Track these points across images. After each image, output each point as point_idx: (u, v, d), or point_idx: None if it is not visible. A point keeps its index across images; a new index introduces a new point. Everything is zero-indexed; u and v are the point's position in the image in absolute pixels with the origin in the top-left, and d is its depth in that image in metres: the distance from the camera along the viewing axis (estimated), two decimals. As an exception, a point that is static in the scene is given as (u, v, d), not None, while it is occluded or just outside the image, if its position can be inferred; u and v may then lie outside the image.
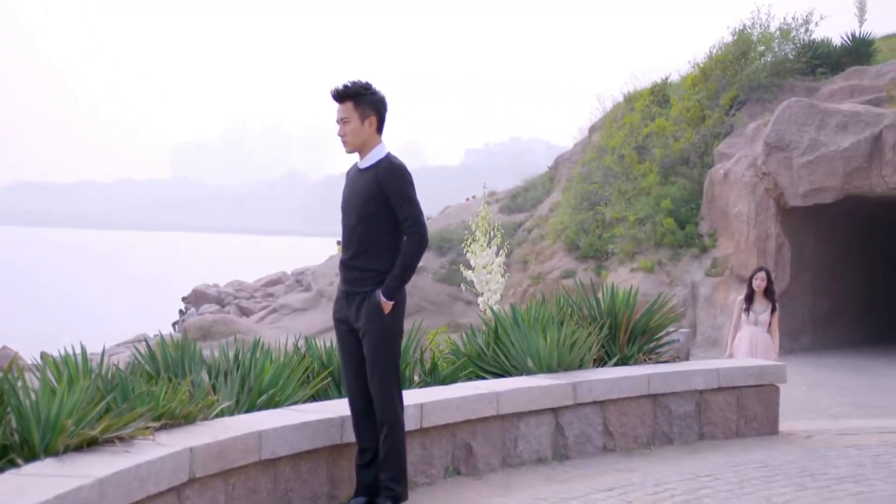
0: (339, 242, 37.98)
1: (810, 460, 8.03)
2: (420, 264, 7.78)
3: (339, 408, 6.65)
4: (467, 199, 42.15)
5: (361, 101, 6.22)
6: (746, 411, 9.04)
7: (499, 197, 38.70)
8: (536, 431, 7.78)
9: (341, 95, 6.23)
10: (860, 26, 27.93)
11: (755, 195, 23.32)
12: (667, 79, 31.35)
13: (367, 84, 6.27)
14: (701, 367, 8.97)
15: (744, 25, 28.49)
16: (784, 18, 28.37)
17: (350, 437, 6.46)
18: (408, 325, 6.76)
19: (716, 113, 27.07)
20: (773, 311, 12.49)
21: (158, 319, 47.21)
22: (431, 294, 33.79)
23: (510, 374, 8.49)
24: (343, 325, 6.35)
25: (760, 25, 28.26)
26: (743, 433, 9.00)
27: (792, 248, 23.47)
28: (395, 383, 6.22)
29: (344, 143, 6.29)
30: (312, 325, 36.66)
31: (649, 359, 9.17)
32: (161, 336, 7.47)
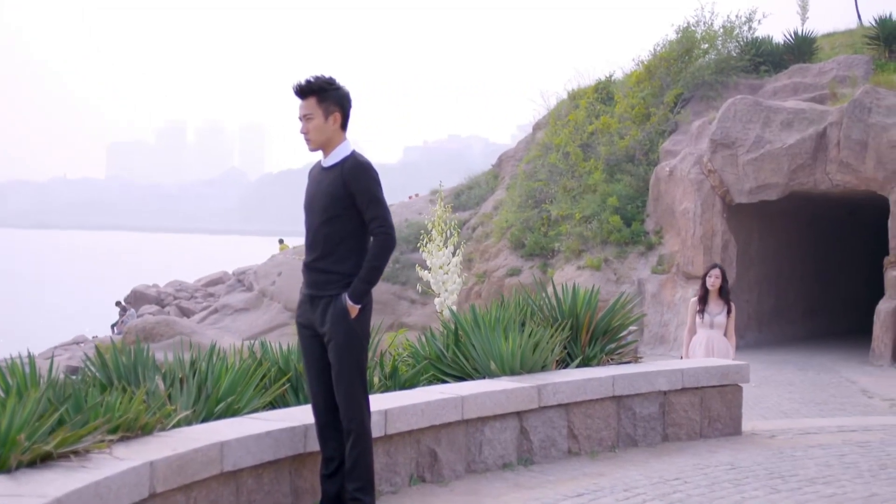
0: (280, 241, 37.49)
1: (778, 461, 7.92)
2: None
3: (302, 415, 6.41)
4: (410, 197, 41.92)
5: (325, 97, 5.97)
6: (710, 412, 8.92)
7: (443, 195, 38.47)
8: (501, 436, 7.59)
9: (304, 91, 5.97)
10: (802, 24, 28.15)
11: (701, 192, 23.35)
12: (611, 76, 31.38)
13: (330, 79, 6.02)
14: (664, 367, 8.83)
15: (688, 23, 28.60)
16: (727, 16, 28.53)
17: (313, 445, 6.22)
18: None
19: (660, 110, 27.12)
20: (728, 312, 11.71)
21: (97, 321, 46.48)
22: (375, 293, 33.34)
23: (471, 377, 8.28)
24: (307, 329, 6.10)
25: (704, 23, 28.38)
26: (706, 434, 8.88)
27: (738, 245, 23.56)
28: (362, 390, 5.99)
29: (307, 140, 6.03)
30: (255, 326, 36.26)
31: (611, 360, 9.02)
32: (112, 342, 7.15)
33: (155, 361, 7.00)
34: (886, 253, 21.77)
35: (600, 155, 27.45)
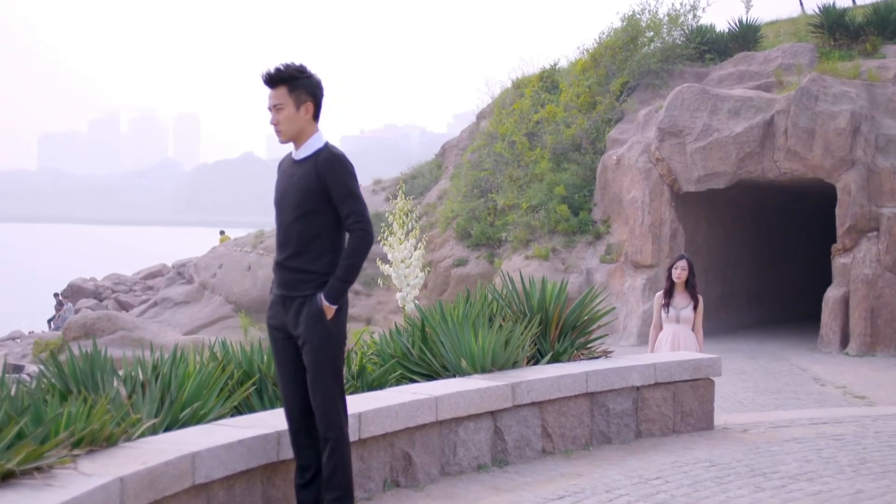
0: (221, 232, 36.77)
1: (756, 457, 7.75)
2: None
3: (273, 421, 6.09)
4: (352, 188, 41.35)
5: (296, 86, 5.63)
6: (683, 407, 8.73)
7: (385, 185, 38.18)
8: (475, 437, 7.32)
9: (274, 80, 5.64)
10: (746, 12, 28.20)
11: (649, 181, 23.26)
12: (555, 64, 31.21)
13: (301, 67, 5.69)
14: (637, 362, 8.61)
15: (633, 11, 28.49)
16: (672, 4, 28.57)
17: (286, 453, 5.91)
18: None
19: (606, 99, 27.00)
20: (695, 305, 11.05)
21: (32, 316, 45.50)
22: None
23: (439, 375, 8.02)
24: (279, 332, 5.77)
25: (649, 11, 28.30)
26: (679, 429, 8.69)
27: (685, 233, 23.52)
28: (340, 394, 5.68)
29: (277, 132, 5.69)
30: (196, 319, 35.70)
31: (582, 355, 8.80)
32: (69, 347, 6.77)
33: (113, 365, 6.64)
34: (831, 240, 21.87)
35: (546, 144, 27.27)
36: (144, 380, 6.41)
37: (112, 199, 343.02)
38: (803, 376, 17.97)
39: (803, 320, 25.77)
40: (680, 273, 11.07)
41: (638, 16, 28.27)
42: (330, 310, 5.57)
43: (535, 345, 8.61)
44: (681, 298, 11.12)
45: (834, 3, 26.06)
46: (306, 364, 5.64)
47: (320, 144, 5.70)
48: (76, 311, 37.55)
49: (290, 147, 5.82)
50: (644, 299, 22.88)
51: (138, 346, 25.04)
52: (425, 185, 35.13)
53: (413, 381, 7.94)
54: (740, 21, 27.65)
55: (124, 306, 41.67)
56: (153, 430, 5.80)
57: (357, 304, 32.83)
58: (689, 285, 11.12)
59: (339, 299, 5.59)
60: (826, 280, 22.09)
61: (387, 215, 10.73)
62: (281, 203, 5.75)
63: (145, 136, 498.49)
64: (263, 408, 7.05)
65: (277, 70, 5.65)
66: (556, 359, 8.59)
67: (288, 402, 5.79)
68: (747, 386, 16.62)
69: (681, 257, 11.38)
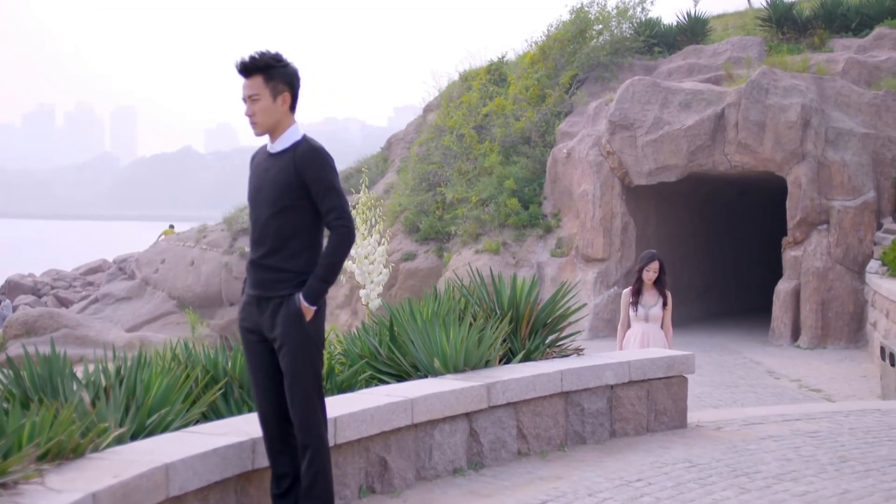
0: (171, 226, 35.97)
1: (735, 456, 7.58)
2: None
3: (247, 427, 5.79)
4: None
5: (273, 75, 5.34)
6: (656, 405, 8.55)
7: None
8: (451, 440, 7.08)
9: (248, 68, 5.33)
10: (695, 5, 28.28)
11: (600, 174, 23.15)
12: (503, 57, 31.01)
13: (277, 55, 5.39)
14: (610, 360, 8.41)
15: (581, 3, 28.36)
16: (621, -3, 28.41)
17: (261, 461, 5.63)
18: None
19: (556, 92, 26.85)
20: (665, 304, 10.93)
21: (-32, 313, 44.39)
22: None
23: (410, 376, 7.76)
24: (252, 334, 5.47)
25: (598, 4, 28.19)
26: (653, 428, 8.52)
27: (636, 226, 23.45)
28: (319, 400, 5.40)
29: (253, 124, 5.39)
30: (138, 315, 35.11)
31: (553, 353, 8.59)
32: (25, 350, 6.40)
33: (73, 370, 6.29)
34: (782, 233, 21.91)
35: (495, 137, 27.08)
36: (107, 385, 6.09)
37: (48, 193, 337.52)
38: (757, 370, 17.97)
39: (754, 313, 25.84)
40: (652, 275, 10.90)
41: (587, 8, 28.16)
42: (309, 311, 5.29)
43: (506, 343, 8.39)
44: (650, 296, 10.96)
45: (781, -3, 26.19)
46: (283, 368, 5.36)
47: (298, 137, 5.41)
48: (14, 309, 36.72)
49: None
50: (595, 293, 22.77)
51: (82, 344, 24.52)
52: (371, 179, 34.76)
53: (383, 381, 7.68)
54: (688, 14, 27.68)
55: (64, 302, 40.87)
56: (120, 440, 5.49)
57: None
58: (659, 282, 10.95)
59: (319, 300, 5.32)
60: (777, 273, 22.14)
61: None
62: (256, 199, 5.45)
63: (81, 130, 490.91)
64: (230, 412, 6.75)
65: (252, 58, 5.35)
66: (527, 357, 8.37)
67: (262, 408, 5.50)
68: (703, 380, 16.55)
69: (652, 258, 11.07)
